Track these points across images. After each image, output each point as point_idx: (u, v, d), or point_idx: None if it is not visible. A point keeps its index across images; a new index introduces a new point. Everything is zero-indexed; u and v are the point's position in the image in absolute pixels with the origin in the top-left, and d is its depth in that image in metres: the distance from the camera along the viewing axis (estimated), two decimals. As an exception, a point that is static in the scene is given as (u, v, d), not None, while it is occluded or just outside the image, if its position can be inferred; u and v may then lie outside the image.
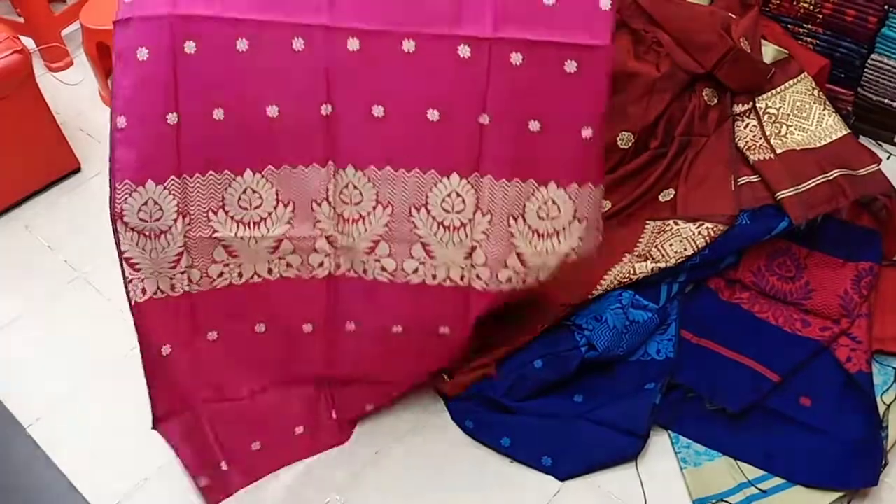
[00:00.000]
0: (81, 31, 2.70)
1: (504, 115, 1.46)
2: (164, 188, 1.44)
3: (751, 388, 1.64)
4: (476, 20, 1.43)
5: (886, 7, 1.98)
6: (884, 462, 1.51)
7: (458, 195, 1.51)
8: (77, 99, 2.80)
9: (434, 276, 1.55)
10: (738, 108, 1.92)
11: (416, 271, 1.55)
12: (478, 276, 1.54)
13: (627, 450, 1.59)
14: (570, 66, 1.42)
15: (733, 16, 1.98)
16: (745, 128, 1.91)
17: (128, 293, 1.49)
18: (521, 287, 1.55)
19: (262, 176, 1.49)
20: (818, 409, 1.61)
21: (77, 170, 2.49)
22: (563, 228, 1.51)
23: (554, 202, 1.50)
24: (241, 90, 1.45)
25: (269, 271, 1.53)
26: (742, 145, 1.88)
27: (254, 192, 1.49)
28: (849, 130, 1.91)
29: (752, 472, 1.56)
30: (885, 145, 2.17)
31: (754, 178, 1.84)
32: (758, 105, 1.94)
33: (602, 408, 1.63)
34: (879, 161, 1.86)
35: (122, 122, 1.42)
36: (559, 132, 1.46)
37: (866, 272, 1.75)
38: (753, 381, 1.65)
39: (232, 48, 1.43)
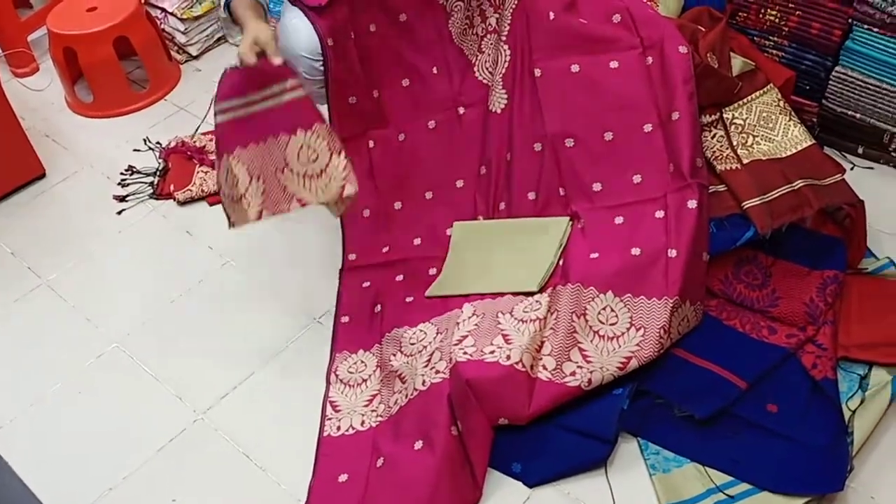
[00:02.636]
0: (48, 36, 2.68)
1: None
2: (370, 352, 1.83)
3: (718, 394, 1.65)
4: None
5: (850, 20, 2.02)
6: (849, 467, 1.53)
7: (539, 302, 1.76)
8: (43, 105, 2.78)
9: (508, 357, 1.65)
10: (706, 119, 1.94)
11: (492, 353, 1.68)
12: (543, 367, 1.66)
13: (596, 455, 1.59)
14: (659, 214, 1.76)
15: (702, 28, 2.00)
16: (712, 138, 1.93)
17: (322, 430, 1.72)
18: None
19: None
20: (785, 415, 1.63)
21: (42, 176, 2.46)
22: (622, 334, 1.67)
23: (612, 309, 1.68)
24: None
25: (423, 383, 1.68)
26: (709, 155, 1.89)
27: (423, 332, 1.81)
28: (814, 141, 1.94)
29: (721, 477, 1.56)
30: (849, 156, 2.20)
31: (721, 188, 1.86)
32: (725, 116, 1.96)
33: (570, 413, 1.63)
34: (844, 171, 1.88)
35: (345, 319, 1.91)
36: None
37: (831, 280, 1.77)
38: (721, 387, 1.66)
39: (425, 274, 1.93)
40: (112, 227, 2.28)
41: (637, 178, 1.83)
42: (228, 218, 1.74)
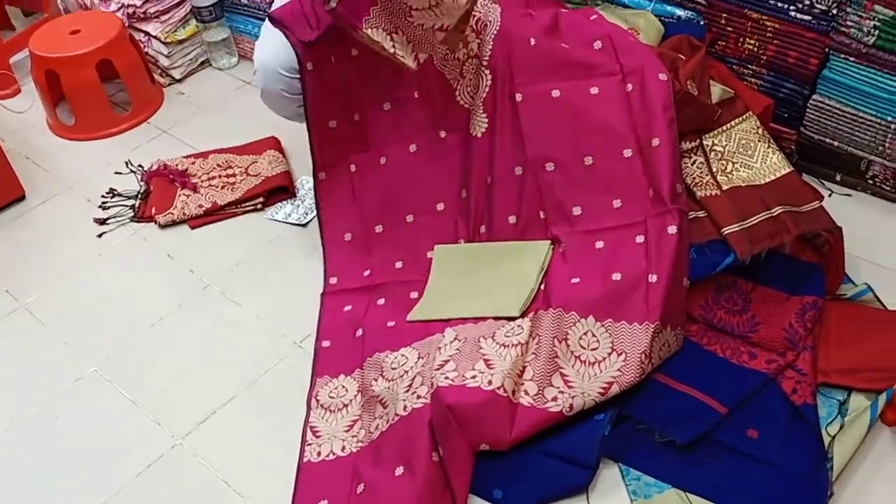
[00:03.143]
0: (31, 58, 2.67)
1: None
2: (351, 377, 1.82)
3: (699, 419, 1.65)
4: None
5: (827, 50, 2.05)
6: (829, 493, 1.53)
7: (521, 326, 1.75)
8: (24, 126, 2.77)
9: (490, 382, 1.64)
10: (686, 146, 1.96)
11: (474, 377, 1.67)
12: (525, 392, 1.65)
13: (577, 481, 1.58)
14: (640, 238, 1.77)
15: (682, 56, 2.03)
16: (691, 164, 1.95)
17: (302, 455, 1.70)
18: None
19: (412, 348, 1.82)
20: (765, 441, 1.63)
21: (21, 198, 2.45)
22: (604, 359, 1.66)
23: (593, 334, 1.68)
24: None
25: (404, 408, 1.67)
26: (689, 181, 1.91)
27: (404, 357, 1.80)
28: (792, 168, 1.96)
29: (702, 503, 1.56)
30: (827, 183, 2.22)
31: (701, 214, 1.87)
32: (704, 142, 1.98)
33: (552, 439, 1.63)
34: (822, 198, 1.90)
35: (326, 343, 1.91)
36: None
37: (810, 306, 1.78)
38: (702, 413, 1.66)
39: (406, 298, 1.93)
40: (92, 250, 2.27)
41: (617, 203, 1.84)
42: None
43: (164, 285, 2.14)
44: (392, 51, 1.74)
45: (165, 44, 2.81)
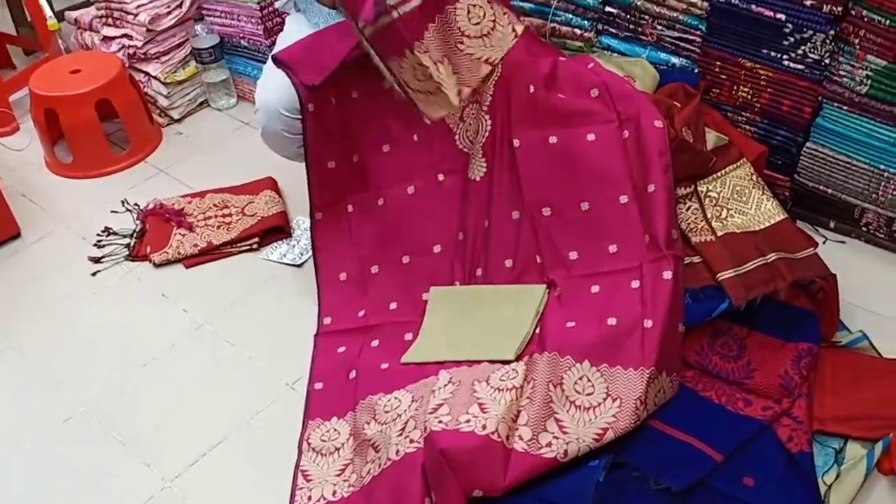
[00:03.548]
0: (30, 97, 2.69)
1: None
2: (344, 420, 1.81)
3: (694, 466, 1.63)
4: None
5: (820, 98, 2.07)
6: (826, 543, 1.51)
7: (515, 370, 1.74)
8: (21, 164, 2.78)
9: (484, 427, 1.63)
10: (681, 191, 1.97)
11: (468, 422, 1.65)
12: (519, 437, 1.64)
13: (572, 528, 1.56)
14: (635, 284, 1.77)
15: (677, 104, 2.05)
16: (686, 210, 1.96)
17: (293, 499, 1.69)
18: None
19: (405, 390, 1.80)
20: (761, 488, 1.61)
21: (17, 235, 2.44)
22: (599, 404, 1.66)
23: (588, 379, 1.68)
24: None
25: (397, 452, 1.66)
26: (684, 227, 1.92)
27: (397, 400, 1.78)
28: (786, 215, 1.97)
29: (697, 552, 1.54)
30: (821, 230, 2.23)
31: (696, 260, 1.88)
32: (699, 188, 1.99)
33: (546, 485, 1.61)
34: (816, 245, 1.91)
35: (319, 385, 1.89)
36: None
37: (805, 353, 1.78)
38: (697, 459, 1.64)
39: (401, 339, 1.91)
40: (86, 289, 2.26)
41: (613, 248, 1.84)
42: (429, 113, 1.80)
43: (158, 324, 2.13)
44: (437, 80, 1.74)
45: (165, 84, 2.83)
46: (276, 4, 2.31)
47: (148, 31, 2.73)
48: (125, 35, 2.78)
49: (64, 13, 3.02)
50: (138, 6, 2.71)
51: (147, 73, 2.83)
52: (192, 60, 2.88)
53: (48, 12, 2.92)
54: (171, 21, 2.78)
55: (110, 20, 2.81)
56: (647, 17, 2.26)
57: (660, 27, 2.25)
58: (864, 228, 2.18)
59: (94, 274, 2.30)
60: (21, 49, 3.33)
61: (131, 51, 2.78)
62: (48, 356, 2.07)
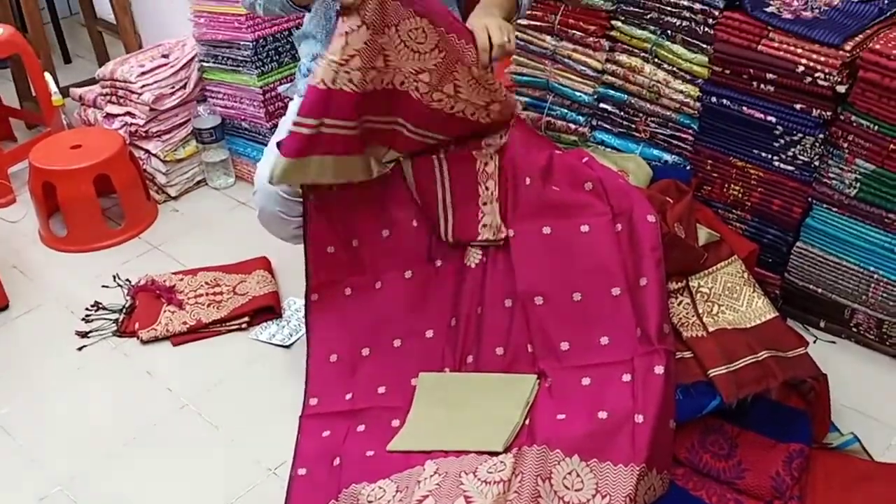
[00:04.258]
0: (29, 169, 2.71)
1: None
2: None
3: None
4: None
5: (810, 199, 2.11)
6: None
7: (503, 463, 1.72)
8: (15, 236, 2.78)
9: None
10: (672, 286, 1.97)
11: None
12: None
13: None
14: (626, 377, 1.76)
15: (669, 199, 2.08)
16: (678, 305, 1.96)
17: None
18: None
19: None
20: (753, 593, 1.57)
21: (4, 307, 2.42)
22: (587, 501, 1.63)
23: (578, 474, 1.66)
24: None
25: None
26: (675, 321, 1.92)
27: (381, 490, 1.75)
28: (777, 313, 1.97)
29: None
30: (812, 329, 2.23)
31: (687, 355, 1.87)
32: (691, 284, 2.00)
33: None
34: (807, 344, 1.91)
35: (302, 471, 1.86)
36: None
37: (797, 454, 1.76)
38: (688, 561, 1.61)
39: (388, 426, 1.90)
40: (71, 364, 2.23)
41: (605, 340, 1.84)
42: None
43: (141, 403, 2.10)
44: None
45: (164, 162, 2.86)
46: (280, 89, 2.36)
47: (151, 110, 2.78)
48: (128, 113, 2.82)
49: (69, 89, 3.08)
50: (143, 86, 2.76)
51: (147, 151, 2.86)
52: (193, 140, 2.91)
53: (53, 88, 2.97)
54: (174, 101, 2.83)
55: (114, 98, 2.86)
56: (640, 114, 2.32)
57: (653, 124, 2.30)
58: (854, 329, 2.18)
59: (80, 349, 2.28)
60: (24, 123, 3.37)
61: (133, 129, 2.82)
62: (27, 432, 2.03)
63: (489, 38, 1.81)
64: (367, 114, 1.81)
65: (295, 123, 1.76)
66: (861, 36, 1.94)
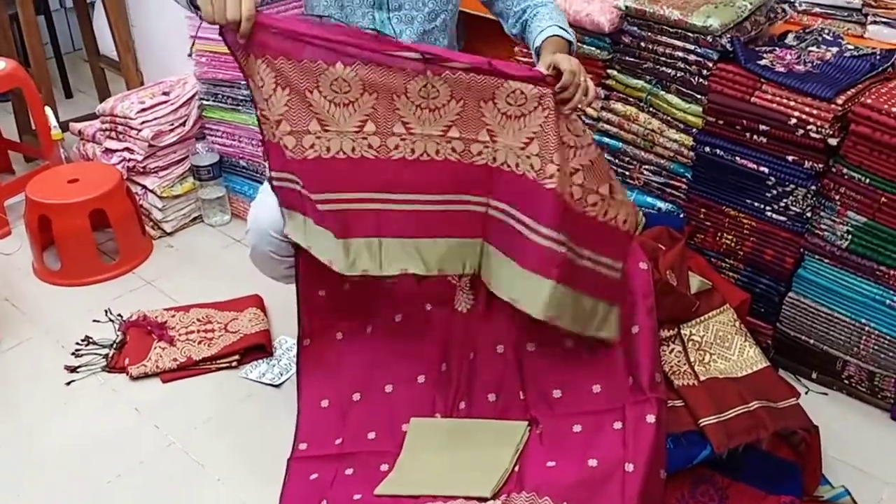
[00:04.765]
0: (25, 202, 2.71)
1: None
2: None
3: None
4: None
5: (802, 250, 2.12)
6: None
7: None
8: (8, 268, 2.77)
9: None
10: (664, 334, 1.97)
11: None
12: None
13: None
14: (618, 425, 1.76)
15: (661, 247, 2.09)
16: (670, 353, 1.96)
17: None
18: None
19: None
20: None
21: (-6, 340, 2.41)
22: None
23: None
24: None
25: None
26: (667, 370, 1.91)
27: None
28: (769, 363, 1.97)
29: None
30: (803, 380, 2.23)
31: (678, 404, 1.86)
32: (682, 332, 2.00)
33: None
34: (798, 395, 1.90)
35: None
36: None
37: (787, 506, 1.75)
38: None
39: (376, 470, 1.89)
40: (58, 399, 2.21)
41: (596, 388, 1.83)
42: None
43: (127, 440, 2.08)
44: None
45: (161, 198, 2.87)
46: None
47: (150, 146, 2.80)
48: (127, 149, 2.84)
49: (69, 124, 3.10)
50: (143, 122, 2.78)
51: (144, 187, 2.87)
52: (190, 176, 2.93)
53: (53, 122, 2.99)
54: (173, 138, 2.85)
55: (113, 133, 2.88)
56: (634, 161, 2.34)
57: (647, 172, 2.32)
58: (846, 381, 2.18)
59: (68, 383, 2.26)
60: (22, 156, 3.38)
61: (131, 164, 2.83)
62: (10, 467, 2.01)
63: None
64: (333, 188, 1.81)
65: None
66: (853, 90, 1.97)
